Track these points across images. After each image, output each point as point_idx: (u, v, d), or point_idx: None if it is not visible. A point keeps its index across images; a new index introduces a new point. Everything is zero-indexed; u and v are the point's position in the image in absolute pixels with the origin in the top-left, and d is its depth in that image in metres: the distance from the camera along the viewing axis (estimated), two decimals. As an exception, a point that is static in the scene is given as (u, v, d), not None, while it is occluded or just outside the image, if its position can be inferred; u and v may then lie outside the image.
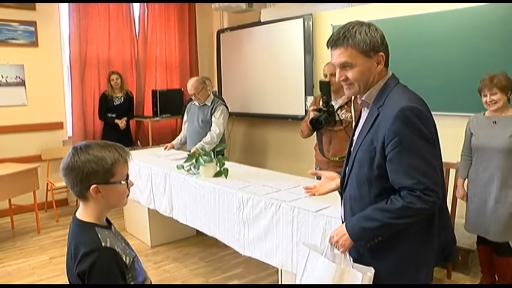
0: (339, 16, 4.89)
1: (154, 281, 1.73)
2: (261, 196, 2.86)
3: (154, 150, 4.84)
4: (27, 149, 5.41)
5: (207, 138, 4.38)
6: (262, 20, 5.85)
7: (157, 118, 6.01)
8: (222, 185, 3.20)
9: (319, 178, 2.21)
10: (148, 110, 6.25)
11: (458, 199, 3.36)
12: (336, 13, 4.98)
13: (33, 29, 5.37)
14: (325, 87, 3.15)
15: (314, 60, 5.17)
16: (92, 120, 5.93)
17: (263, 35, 5.84)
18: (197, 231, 4.03)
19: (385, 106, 1.67)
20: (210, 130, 4.47)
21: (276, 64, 5.67)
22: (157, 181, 3.89)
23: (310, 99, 4.98)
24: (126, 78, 5.99)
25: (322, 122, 3.15)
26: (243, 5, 5.58)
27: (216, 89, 6.63)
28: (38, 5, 5.37)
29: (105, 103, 5.75)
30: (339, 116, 3.25)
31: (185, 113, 4.83)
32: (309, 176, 2.16)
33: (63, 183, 1.52)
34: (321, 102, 3.24)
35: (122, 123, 5.73)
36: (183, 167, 3.63)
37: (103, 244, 1.42)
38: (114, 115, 5.74)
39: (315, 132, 3.43)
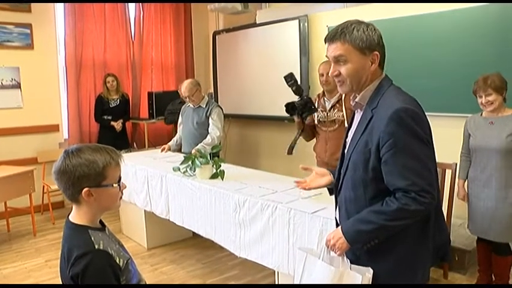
0: (335, 17, 4.89)
1: (151, 283, 1.73)
2: (257, 198, 2.86)
3: (150, 152, 4.83)
4: (23, 152, 5.39)
5: (208, 140, 4.35)
6: (257, 22, 5.85)
7: (153, 120, 6.00)
8: (218, 186, 3.19)
9: None
10: (144, 112, 6.23)
11: (454, 200, 3.37)
12: (332, 14, 4.98)
13: (28, 31, 5.36)
14: (289, 78, 3.08)
15: (310, 61, 5.17)
16: (88, 123, 5.92)
17: (259, 36, 5.84)
18: (193, 233, 4.02)
19: (379, 108, 1.67)
20: (204, 132, 4.46)
21: (271, 65, 5.66)
22: (154, 183, 3.88)
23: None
24: (122, 80, 5.99)
25: (296, 106, 3.07)
26: (239, 6, 5.58)
27: (212, 91, 6.63)
28: (33, 7, 5.36)
29: (101, 105, 5.74)
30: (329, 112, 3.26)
31: (180, 115, 4.82)
32: (306, 172, 2.16)
33: (59, 186, 1.52)
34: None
35: (117, 125, 5.72)
36: (179, 169, 3.63)
37: (96, 246, 1.42)
38: (110, 117, 5.74)
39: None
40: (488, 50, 3.77)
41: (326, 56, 1.78)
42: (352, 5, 4.77)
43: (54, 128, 5.67)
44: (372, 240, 1.69)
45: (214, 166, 3.44)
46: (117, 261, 1.45)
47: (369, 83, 1.73)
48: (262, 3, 5.91)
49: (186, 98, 4.55)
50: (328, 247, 1.79)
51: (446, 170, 3.45)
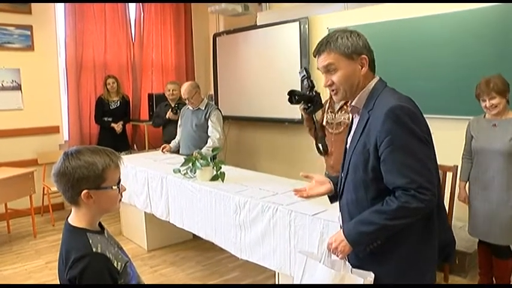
0: (335, 19, 4.90)
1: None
2: (257, 200, 2.85)
3: (150, 154, 4.83)
4: (24, 153, 5.39)
5: (210, 143, 4.36)
6: (258, 24, 5.85)
7: (153, 122, 5.99)
8: (218, 188, 3.19)
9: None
10: (144, 113, 6.23)
11: (455, 202, 3.36)
12: (332, 16, 4.98)
13: (29, 32, 5.36)
14: (303, 71, 2.87)
15: (310, 63, 5.16)
16: (88, 124, 5.92)
17: (259, 38, 5.84)
18: (194, 235, 4.01)
19: (375, 109, 1.68)
20: (203, 134, 4.48)
21: (272, 67, 5.66)
22: (154, 185, 3.87)
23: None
24: (122, 82, 5.98)
25: (295, 96, 2.84)
26: (239, 8, 5.58)
27: (212, 93, 6.63)
28: (33, 8, 5.37)
29: (102, 107, 5.74)
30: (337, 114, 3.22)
31: (180, 117, 4.83)
32: (306, 179, 2.15)
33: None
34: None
35: (118, 127, 5.71)
36: (179, 171, 3.62)
37: (94, 250, 1.41)
38: (110, 119, 5.73)
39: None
40: (488, 51, 3.77)
41: (318, 69, 1.81)
42: (353, 7, 4.77)
43: (55, 130, 5.67)
44: (374, 241, 1.68)
45: (215, 168, 3.44)
46: (115, 265, 1.45)
47: (362, 86, 1.75)
48: (263, 5, 5.90)
49: (185, 100, 4.56)
50: (329, 250, 1.77)
51: (447, 173, 3.44)
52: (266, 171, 4.14)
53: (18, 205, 4.95)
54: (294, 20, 5.34)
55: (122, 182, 1.54)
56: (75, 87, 5.76)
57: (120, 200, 1.55)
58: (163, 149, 4.71)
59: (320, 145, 3.19)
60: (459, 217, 3.60)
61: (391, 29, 4.34)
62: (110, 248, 1.49)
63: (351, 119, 1.91)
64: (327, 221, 2.38)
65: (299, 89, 4.96)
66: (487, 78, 2.98)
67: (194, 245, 4.39)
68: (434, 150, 1.70)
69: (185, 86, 4.53)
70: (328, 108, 3.35)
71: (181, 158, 3.89)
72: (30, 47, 5.40)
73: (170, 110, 5.17)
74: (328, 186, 2.03)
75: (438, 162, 1.74)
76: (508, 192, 2.93)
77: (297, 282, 1.92)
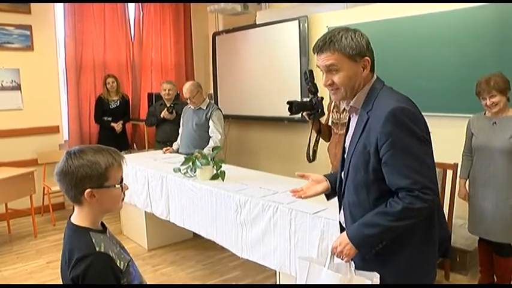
0: (335, 18, 4.90)
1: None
2: (258, 199, 2.86)
3: (150, 154, 4.83)
4: (24, 153, 5.39)
5: (211, 144, 4.37)
6: (257, 22, 5.84)
7: (153, 121, 5.99)
8: (219, 187, 3.19)
9: None
10: (144, 113, 6.20)
11: (455, 200, 3.36)
12: (332, 15, 4.98)
13: (28, 32, 5.36)
14: (307, 74, 2.89)
15: (310, 62, 5.17)
16: (88, 124, 5.91)
17: (259, 37, 5.84)
18: (194, 234, 4.03)
19: (374, 109, 1.67)
20: (203, 134, 4.48)
21: (271, 66, 5.66)
22: (154, 184, 3.87)
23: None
24: (121, 82, 5.98)
25: (294, 106, 2.88)
26: (238, 7, 5.58)
27: (212, 92, 6.63)
28: (33, 8, 5.37)
29: (101, 106, 5.74)
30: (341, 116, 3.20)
31: (181, 117, 4.83)
32: (303, 179, 2.15)
33: (60, 187, 1.52)
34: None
35: (118, 126, 5.71)
36: (179, 170, 3.63)
37: (97, 249, 1.41)
38: (110, 118, 5.73)
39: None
40: (488, 50, 3.77)
41: (317, 66, 1.77)
42: (352, 6, 4.76)
43: (54, 130, 5.67)
44: (379, 243, 1.68)
45: (215, 167, 3.44)
46: (118, 264, 1.45)
47: (362, 87, 1.74)
48: (262, 4, 5.89)
49: (187, 99, 4.56)
50: (334, 254, 1.76)
51: (447, 171, 3.44)
52: (266, 170, 4.14)
53: (19, 205, 4.95)
54: (293, 19, 5.34)
55: (123, 181, 1.54)
56: (75, 86, 5.76)
57: (123, 199, 1.55)
58: (166, 151, 4.70)
59: (310, 151, 3.10)
60: (459, 215, 3.60)
61: (391, 28, 4.34)
62: (113, 247, 1.49)
63: (348, 118, 1.90)
64: (328, 220, 2.39)
65: (299, 89, 4.98)
66: (488, 76, 2.98)
67: (194, 244, 4.39)
68: (432, 147, 1.70)
69: (187, 86, 4.53)
70: (333, 107, 3.32)
71: (181, 157, 3.89)
72: (30, 47, 5.39)
73: (166, 109, 5.16)
74: (325, 184, 2.03)
75: (438, 160, 1.75)
76: (508, 190, 2.93)
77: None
